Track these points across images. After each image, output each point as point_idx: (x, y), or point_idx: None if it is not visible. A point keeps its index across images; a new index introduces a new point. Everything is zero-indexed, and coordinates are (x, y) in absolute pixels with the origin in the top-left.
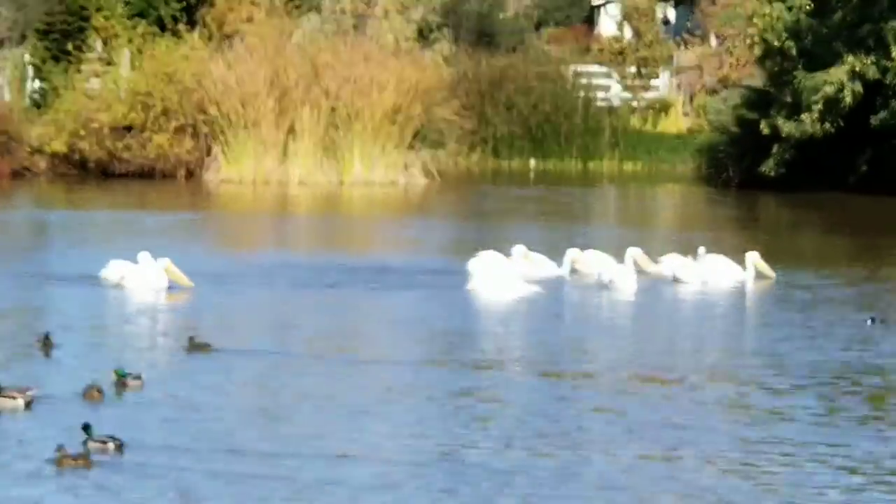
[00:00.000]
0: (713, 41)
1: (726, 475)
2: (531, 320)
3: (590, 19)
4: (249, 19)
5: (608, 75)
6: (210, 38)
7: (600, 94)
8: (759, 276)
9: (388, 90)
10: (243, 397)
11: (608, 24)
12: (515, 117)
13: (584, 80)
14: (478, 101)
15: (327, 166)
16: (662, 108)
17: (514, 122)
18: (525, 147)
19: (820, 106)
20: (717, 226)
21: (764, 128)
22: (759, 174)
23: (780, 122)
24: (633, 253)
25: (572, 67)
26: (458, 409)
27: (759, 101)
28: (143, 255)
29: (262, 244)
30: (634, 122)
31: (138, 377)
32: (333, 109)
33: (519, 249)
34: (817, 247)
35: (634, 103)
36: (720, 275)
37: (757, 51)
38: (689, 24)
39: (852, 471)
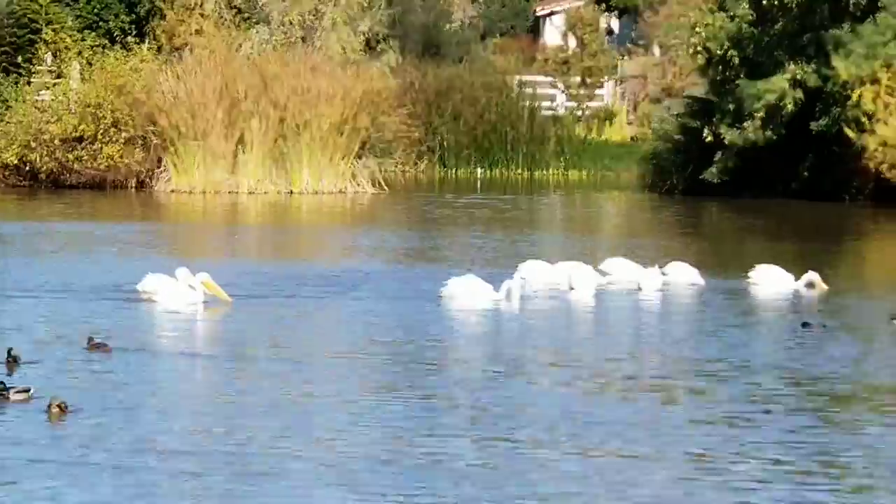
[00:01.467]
0: (657, 51)
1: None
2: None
3: (535, 30)
4: (199, 31)
5: (553, 85)
6: (159, 50)
7: (545, 104)
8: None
9: (335, 101)
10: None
11: (553, 34)
12: (462, 127)
13: (529, 90)
14: (424, 111)
15: (276, 176)
16: (607, 117)
17: (460, 132)
18: (471, 156)
19: (762, 114)
20: (661, 233)
21: (707, 136)
22: (703, 181)
23: (723, 129)
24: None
25: (517, 77)
26: (405, 407)
27: (702, 110)
28: (182, 271)
29: (213, 254)
30: (579, 130)
31: (26, 390)
32: (282, 120)
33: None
34: (760, 253)
35: (579, 112)
36: (678, 282)
37: (700, 60)
38: (632, 35)
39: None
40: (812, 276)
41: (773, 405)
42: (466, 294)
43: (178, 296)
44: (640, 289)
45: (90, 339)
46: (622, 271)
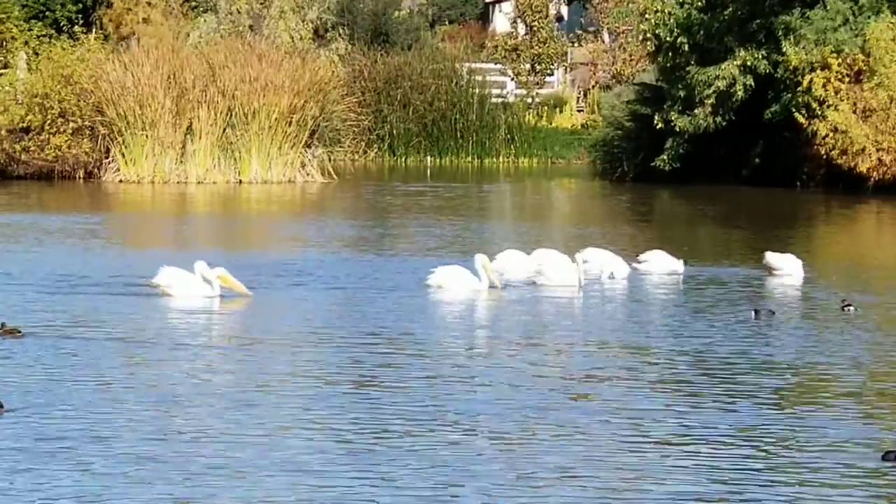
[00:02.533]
0: (606, 37)
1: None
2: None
3: (484, 17)
4: (146, 21)
5: (503, 72)
6: (106, 39)
7: (495, 91)
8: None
9: (283, 90)
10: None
11: (502, 21)
12: (411, 115)
13: (478, 78)
14: (374, 99)
15: (225, 165)
16: (557, 104)
17: (409, 120)
18: (421, 144)
19: (712, 100)
20: (612, 220)
21: (657, 122)
22: (654, 168)
23: (674, 116)
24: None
25: (467, 65)
26: (351, 395)
27: (653, 97)
28: (200, 264)
29: (162, 244)
30: (529, 118)
31: None
32: (230, 109)
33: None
34: (712, 239)
35: (529, 100)
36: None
37: (649, 46)
38: (582, 21)
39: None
40: (770, 257)
41: (706, 391)
42: (453, 283)
43: (193, 289)
44: (612, 277)
45: (2, 324)
46: (597, 260)
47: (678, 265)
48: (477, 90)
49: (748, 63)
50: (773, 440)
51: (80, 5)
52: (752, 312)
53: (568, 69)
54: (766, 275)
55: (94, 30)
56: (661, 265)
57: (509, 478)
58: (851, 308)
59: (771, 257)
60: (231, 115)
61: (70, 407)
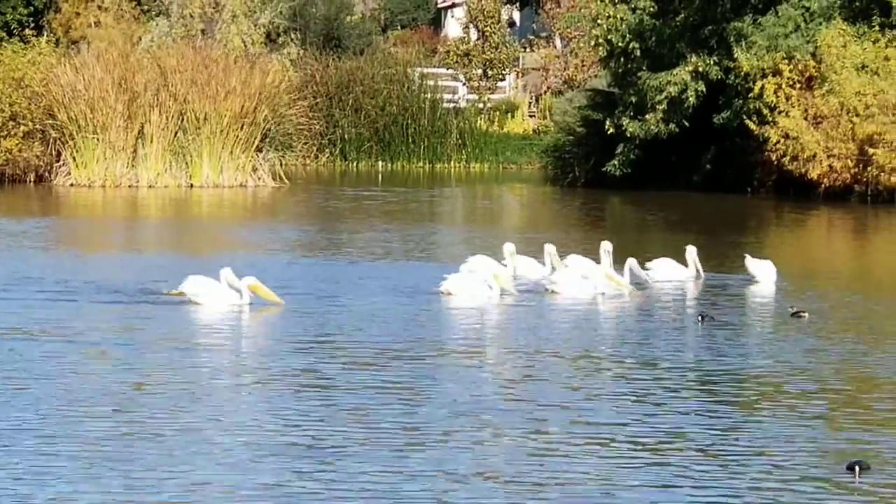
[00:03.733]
0: (558, 43)
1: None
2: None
3: (436, 22)
4: (97, 24)
5: (454, 77)
6: (57, 43)
7: (447, 96)
8: (698, 273)
9: (234, 94)
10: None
11: (454, 26)
12: (363, 119)
13: (430, 83)
14: (326, 103)
15: (177, 169)
16: (508, 109)
17: (361, 125)
18: (373, 149)
19: (664, 106)
20: (562, 225)
21: (609, 128)
22: (605, 174)
23: (625, 122)
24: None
25: (419, 70)
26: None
27: (604, 102)
28: (226, 272)
29: (111, 248)
30: (481, 123)
31: None
32: (182, 113)
33: (508, 247)
34: (662, 245)
35: (481, 105)
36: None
37: (601, 52)
38: (534, 26)
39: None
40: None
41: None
42: (465, 291)
43: (220, 298)
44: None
45: None
46: (582, 267)
47: (688, 272)
48: (429, 95)
49: (700, 69)
50: (707, 444)
51: (32, 8)
52: (699, 318)
53: (520, 74)
54: (708, 279)
55: (44, 33)
56: (669, 273)
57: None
58: (805, 315)
59: (750, 263)
60: (183, 119)
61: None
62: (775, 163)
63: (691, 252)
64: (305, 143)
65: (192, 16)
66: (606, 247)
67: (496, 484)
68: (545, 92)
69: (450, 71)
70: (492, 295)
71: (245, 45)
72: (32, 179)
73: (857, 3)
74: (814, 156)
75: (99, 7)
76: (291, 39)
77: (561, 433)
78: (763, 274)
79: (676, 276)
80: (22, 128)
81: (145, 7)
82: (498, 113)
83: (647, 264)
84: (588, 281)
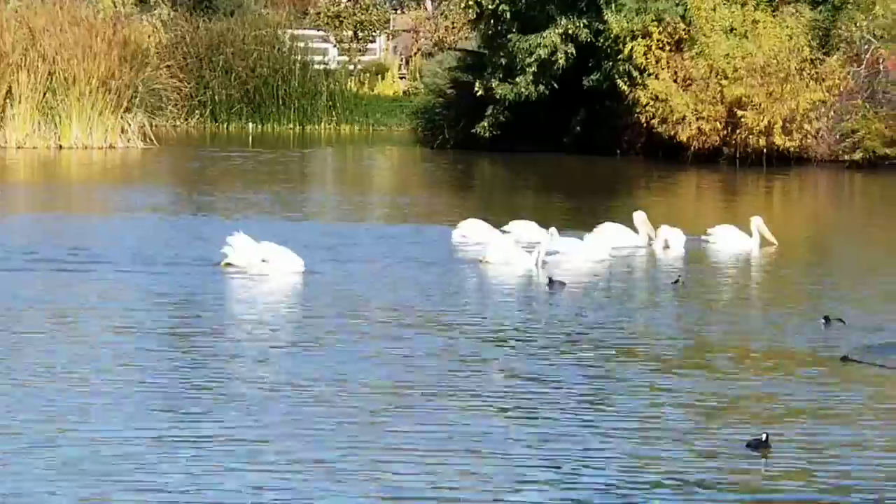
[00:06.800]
0: (429, 5)
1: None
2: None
3: None
4: None
5: (325, 39)
6: None
7: (317, 58)
8: (763, 242)
9: (102, 55)
10: None
11: None
12: (233, 81)
13: (301, 44)
14: (196, 65)
15: (45, 130)
16: (379, 71)
17: (232, 86)
18: (243, 111)
19: (534, 68)
20: (432, 187)
21: (478, 90)
22: (475, 135)
23: (495, 84)
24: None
25: (289, 31)
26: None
27: (474, 64)
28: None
29: None
30: (351, 85)
31: None
32: (51, 74)
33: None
34: (532, 206)
35: (351, 67)
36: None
37: (471, 14)
38: None
39: None
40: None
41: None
42: (505, 260)
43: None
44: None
45: None
46: (525, 233)
47: (752, 243)
48: (299, 57)
49: (570, 31)
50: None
51: None
52: (548, 282)
53: (390, 36)
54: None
55: None
56: (730, 241)
57: None
58: (680, 280)
59: (664, 230)
60: (52, 79)
61: None
62: (645, 125)
63: (756, 222)
64: (175, 105)
65: None
66: (641, 216)
67: None
68: (416, 54)
69: (320, 33)
70: (529, 265)
71: (115, 6)
72: None
73: None
74: (683, 118)
75: None
76: (162, 1)
77: None
78: (723, 239)
79: (739, 245)
80: None
81: None
82: (368, 75)
83: (709, 230)
84: (520, 251)
